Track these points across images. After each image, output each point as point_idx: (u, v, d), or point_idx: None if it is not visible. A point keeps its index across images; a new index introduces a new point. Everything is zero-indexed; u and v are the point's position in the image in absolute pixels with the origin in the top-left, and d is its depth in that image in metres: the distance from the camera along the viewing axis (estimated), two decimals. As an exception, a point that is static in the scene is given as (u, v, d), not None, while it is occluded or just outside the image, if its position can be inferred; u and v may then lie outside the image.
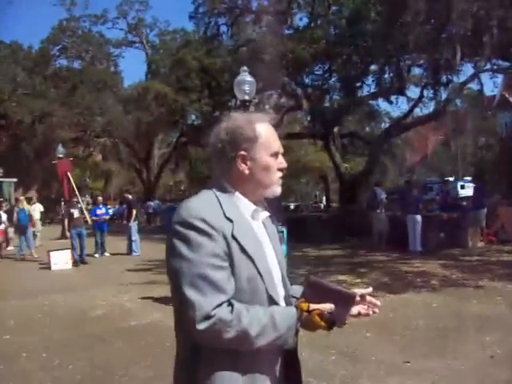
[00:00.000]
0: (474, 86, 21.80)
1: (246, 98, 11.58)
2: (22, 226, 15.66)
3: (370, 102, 22.78)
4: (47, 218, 29.69)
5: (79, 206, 15.58)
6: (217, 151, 1.76)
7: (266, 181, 1.76)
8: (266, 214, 1.83)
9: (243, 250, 1.63)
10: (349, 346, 5.55)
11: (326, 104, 21.80)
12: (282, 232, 10.30)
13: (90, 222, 15.27)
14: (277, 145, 1.79)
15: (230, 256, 1.61)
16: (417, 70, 20.39)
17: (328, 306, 1.63)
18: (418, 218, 13.28)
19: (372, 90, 20.92)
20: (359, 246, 15.14)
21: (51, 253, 13.45)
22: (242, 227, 1.67)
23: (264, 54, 18.37)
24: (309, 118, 25.13)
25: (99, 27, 36.72)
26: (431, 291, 8.42)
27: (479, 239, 13.92)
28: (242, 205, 1.75)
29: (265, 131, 1.76)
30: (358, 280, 9.66)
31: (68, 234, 14.15)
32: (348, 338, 5.69)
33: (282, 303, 1.76)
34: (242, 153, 1.73)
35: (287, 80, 20.82)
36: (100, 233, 15.66)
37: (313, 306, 1.63)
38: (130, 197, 17.81)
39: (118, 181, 43.97)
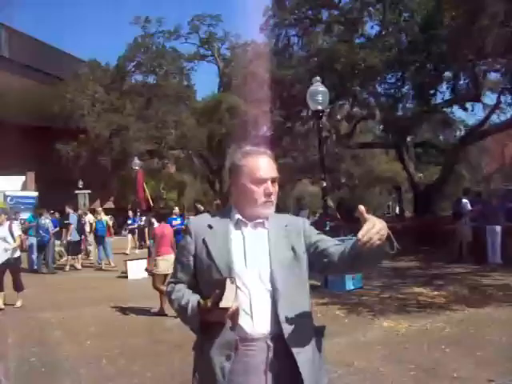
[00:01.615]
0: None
1: (319, 108, 11.52)
2: (99, 236, 16.27)
3: (445, 109, 22.10)
4: (123, 228, 30.52)
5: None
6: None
7: (250, 203, 2.18)
8: (252, 223, 2.20)
9: (208, 251, 2.15)
10: (428, 362, 5.39)
11: (399, 113, 21.33)
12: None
13: None
14: (262, 174, 2.16)
15: (197, 255, 2.20)
16: (493, 76, 19.64)
17: (214, 295, 1.96)
18: (498, 228, 12.76)
19: (446, 97, 20.37)
20: (435, 257, 14.69)
21: (128, 262, 13.87)
22: (217, 232, 2.19)
23: (335, 63, 18.27)
24: (381, 128, 24.74)
25: (172, 42, 37.30)
26: (514, 306, 8.07)
27: None
28: (231, 217, 2.23)
29: (251, 162, 2.19)
30: (436, 293, 9.40)
31: (149, 242, 14.49)
32: (426, 353, 5.55)
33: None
34: (232, 179, 2.26)
35: (359, 89, 20.61)
36: (176, 243, 15.89)
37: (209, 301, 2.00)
38: (202, 208, 18.08)
39: (191, 192, 44.62)
